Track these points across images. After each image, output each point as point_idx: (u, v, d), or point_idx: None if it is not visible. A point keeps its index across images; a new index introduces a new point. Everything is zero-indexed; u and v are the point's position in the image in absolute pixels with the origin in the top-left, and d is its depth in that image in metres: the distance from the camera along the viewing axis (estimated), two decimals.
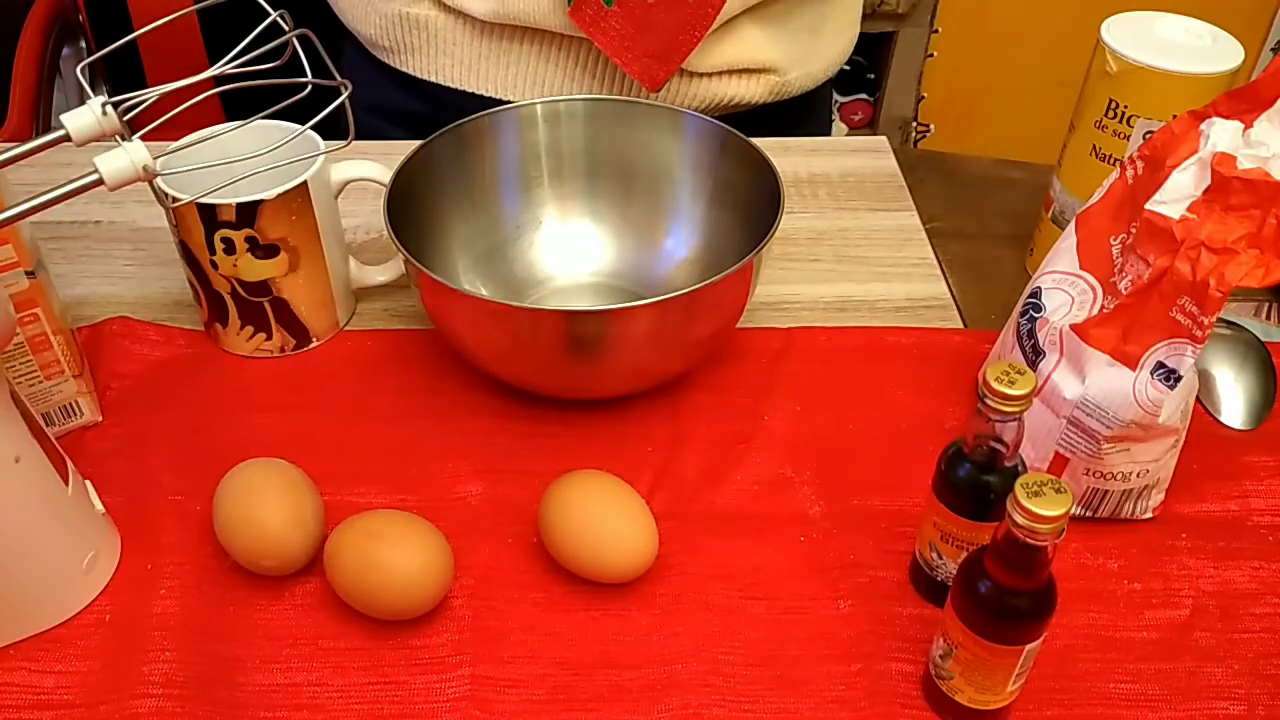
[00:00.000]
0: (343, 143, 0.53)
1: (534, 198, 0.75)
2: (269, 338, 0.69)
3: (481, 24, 0.82)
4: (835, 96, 2.12)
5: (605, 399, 0.66)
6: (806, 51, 0.87)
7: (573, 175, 0.75)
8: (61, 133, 0.47)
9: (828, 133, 1.01)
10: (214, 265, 0.65)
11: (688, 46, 0.79)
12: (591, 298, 0.74)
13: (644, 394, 0.66)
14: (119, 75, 1.31)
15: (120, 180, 0.46)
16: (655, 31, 0.77)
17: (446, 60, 0.85)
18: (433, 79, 0.86)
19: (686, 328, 0.61)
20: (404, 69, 0.87)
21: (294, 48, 0.49)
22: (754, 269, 0.62)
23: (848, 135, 2.12)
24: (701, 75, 0.82)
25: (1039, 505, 0.43)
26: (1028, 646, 0.47)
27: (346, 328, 0.72)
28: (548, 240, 0.75)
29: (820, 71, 0.90)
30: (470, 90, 0.85)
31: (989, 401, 0.48)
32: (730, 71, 0.83)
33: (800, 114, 0.92)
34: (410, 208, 0.66)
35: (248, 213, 0.62)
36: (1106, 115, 0.68)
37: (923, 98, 2.09)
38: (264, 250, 0.64)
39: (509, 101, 0.81)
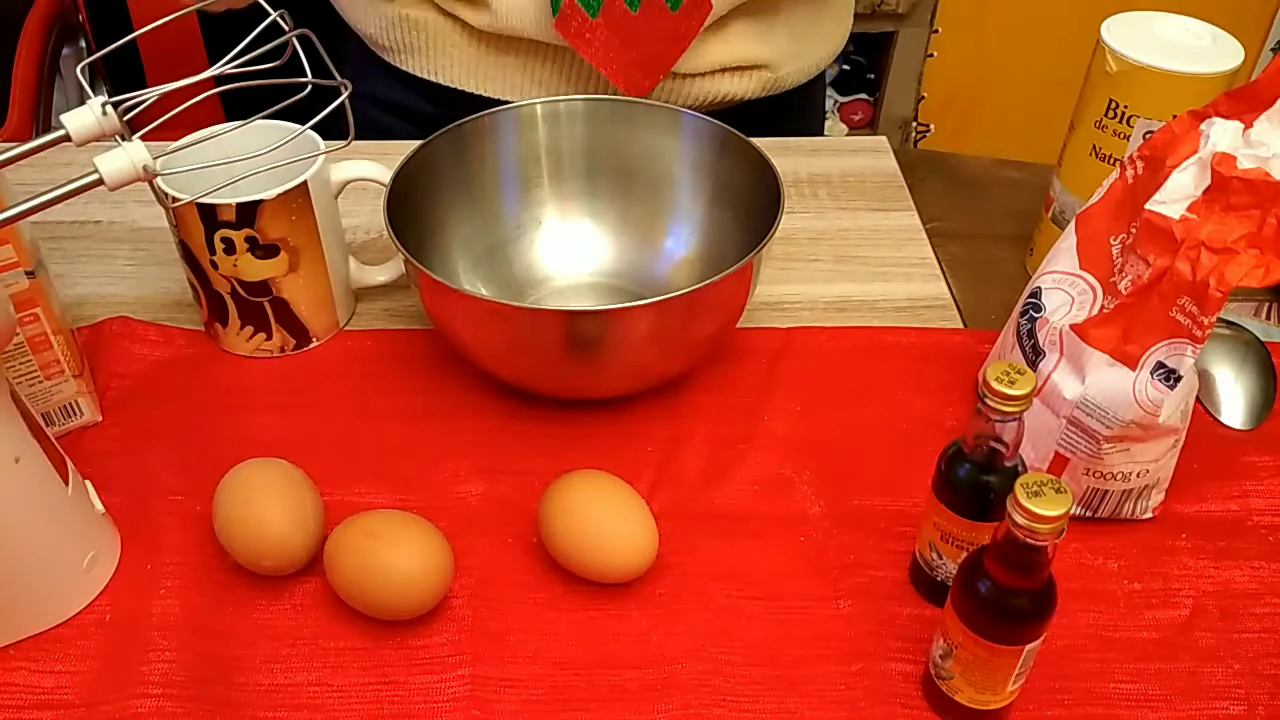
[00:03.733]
0: (343, 143, 0.53)
1: (534, 198, 0.75)
2: (269, 338, 0.69)
3: (477, 29, 0.82)
4: (835, 97, 2.12)
5: (605, 399, 0.66)
6: (798, 47, 0.87)
7: (572, 175, 0.75)
8: (61, 133, 0.47)
9: (822, 126, 1.01)
10: (214, 265, 0.65)
11: (672, 58, 0.79)
12: (591, 298, 0.74)
13: (644, 394, 0.66)
14: (119, 75, 1.31)
15: (120, 180, 0.46)
16: (639, 43, 0.77)
17: (446, 61, 0.85)
18: (433, 79, 0.86)
19: (686, 328, 0.61)
20: (405, 68, 0.87)
21: (294, 48, 0.49)
22: (754, 269, 0.62)
23: (848, 135, 2.12)
24: (693, 76, 0.82)
25: (1039, 505, 0.43)
26: (1028, 646, 0.47)
27: (346, 328, 0.72)
28: (548, 240, 0.75)
29: (813, 66, 0.90)
30: (470, 91, 0.85)
31: (989, 401, 0.48)
32: (722, 70, 0.83)
33: (795, 108, 0.92)
34: (410, 208, 0.66)
35: (248, 213, 0.62)
36: (1106, 115, 0.68)
37: (923, 98, 2.09)
38: (264, 250, 0.64)
39: (510, 102, 0.81)
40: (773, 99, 0.88)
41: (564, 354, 0.60)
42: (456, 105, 0.84)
